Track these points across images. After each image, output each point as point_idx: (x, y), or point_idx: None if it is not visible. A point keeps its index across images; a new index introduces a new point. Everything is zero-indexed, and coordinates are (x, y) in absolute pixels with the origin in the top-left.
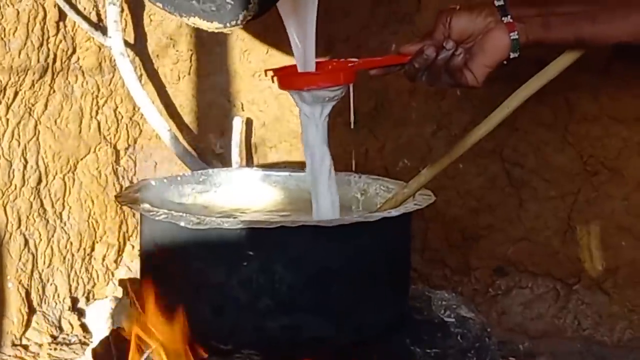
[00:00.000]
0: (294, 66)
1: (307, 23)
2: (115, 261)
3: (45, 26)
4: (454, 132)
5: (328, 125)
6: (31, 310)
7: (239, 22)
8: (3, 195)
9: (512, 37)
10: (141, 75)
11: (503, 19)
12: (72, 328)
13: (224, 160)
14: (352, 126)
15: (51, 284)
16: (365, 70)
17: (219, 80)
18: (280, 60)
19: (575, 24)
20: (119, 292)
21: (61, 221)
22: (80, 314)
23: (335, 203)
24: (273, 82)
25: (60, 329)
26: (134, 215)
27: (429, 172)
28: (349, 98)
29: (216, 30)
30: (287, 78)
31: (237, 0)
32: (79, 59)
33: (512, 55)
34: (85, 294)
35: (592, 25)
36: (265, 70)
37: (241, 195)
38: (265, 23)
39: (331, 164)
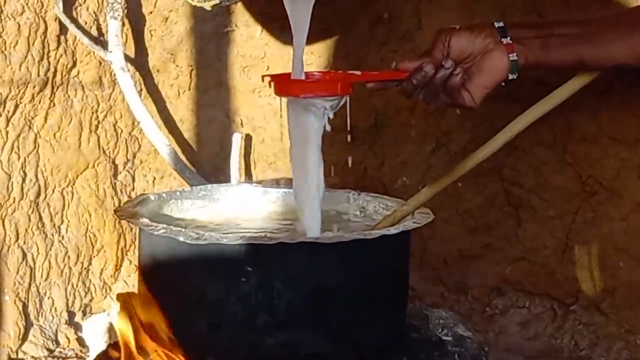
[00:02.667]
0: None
1: (298, 29)
2: (113, 275)
3: (46, 40)
4: (454, 151)
5: (323, 140)
6: (28, 324)
7: None
8: (1, 208)
9: (511, 59)
10: (141, 90)
11: (502, 40)
12: (69, 342)
13: (223, 176)
14: (349, 139)
15: (48, 298)
16: (363, 83)
17: (219, 96)
18: None
19: (574, 46)
20: (116, 307)
21: (59, 235)
22: (77, 328)
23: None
24: (270, 87)
25: (57, 342)
26: (131, 229)
27: (428, 191)
28: (347, 113)
29: (197, 4)
30: (283, 84)
31: None
32: (79, 73)
33: (510, 77)
34: (82, 308)
35: (590, 48)
36: (263, 76)
37: (240, 211)
38: (266, 39)
39: (321, 178)
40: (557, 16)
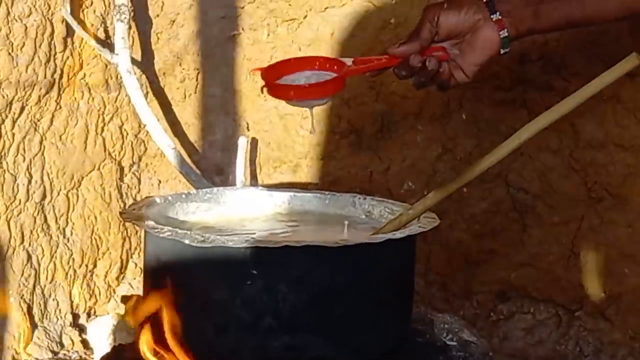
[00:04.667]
0: (282, 63)
1: None
2: (117, 278)
3: (53, 42)
4: (459, 156)
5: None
6: (32, 326)
7: None
8: (7, 210)
9: (501, 35)
10: (147, 92)
11: (492, 16)
12: (73, 344)
13: (229, 179)
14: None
15: (53, 300)
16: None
17: (225, 100)
18: None
19: (565, 9)
20: (121, 309)
21: (64, 237)
22: (82, 330)
23: None
24: (262, 93)
25: (61, 344)
26: (136, 232)
27: (434, 196)
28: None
29: None
30: (276, 87)
31: None
32: (85, 75)
33: (502, 52)
34: (87, 310)
35: (582, 8)
36: (253, 70)
37: (245, 214)
38: (273, 42)
39: None
40: None
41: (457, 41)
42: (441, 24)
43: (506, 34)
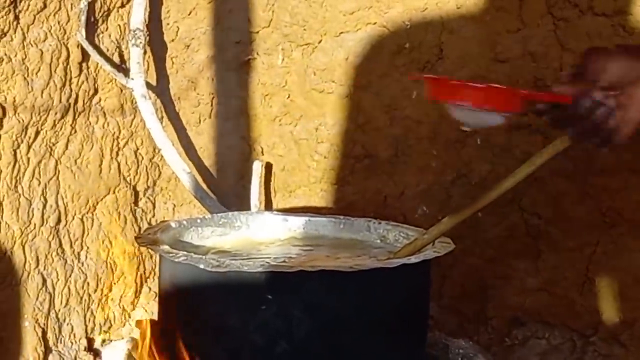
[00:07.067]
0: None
1: None
2: (132, 302)
3: (68, 67)
4: (474, 181)
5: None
6: (47, 350)
7: None
8: (22, 234)
9: None
10: (162, 117)
11: None
12: None
13: (244, 204)
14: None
15: (67, 324)
16: (530, 102)
17: (240, 124)
18: (302, 105)
19: None
20: (135, 333)
21: (79, 261)
22: (96, 354)
23: None
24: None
25: None
26: (151, 256)
27: (449, 221)
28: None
29: None
30: (438, 87)
31: None
32: (100, 99)
33: None
34: (102, 335)
35: None
36: (425, 77)
37: (260, 239)
38: (287, 67)
39: None
40: None
41: (615, 93)
42: (608, 70)
43: None
